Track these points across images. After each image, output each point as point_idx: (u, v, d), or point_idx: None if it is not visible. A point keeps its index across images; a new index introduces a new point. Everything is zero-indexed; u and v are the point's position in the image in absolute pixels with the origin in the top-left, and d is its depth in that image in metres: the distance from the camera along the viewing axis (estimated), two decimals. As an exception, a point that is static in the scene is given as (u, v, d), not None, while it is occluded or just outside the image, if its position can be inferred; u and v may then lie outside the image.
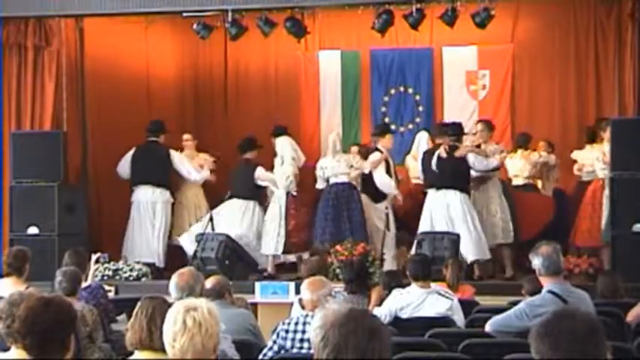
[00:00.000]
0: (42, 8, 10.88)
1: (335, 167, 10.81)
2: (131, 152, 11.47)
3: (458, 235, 10.09)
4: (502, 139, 12.25)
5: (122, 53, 12.65)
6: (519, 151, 11.34)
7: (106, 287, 8.26)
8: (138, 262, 10.92)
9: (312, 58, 13.19)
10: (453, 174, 10.26)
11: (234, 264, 10.39)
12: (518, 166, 11.25)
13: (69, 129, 11.43)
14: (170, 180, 11.56)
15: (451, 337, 5.86)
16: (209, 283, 5.98)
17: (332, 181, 10.81)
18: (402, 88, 12.96)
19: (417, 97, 12.91)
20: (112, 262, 10.64)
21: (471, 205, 10.33)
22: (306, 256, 10.67)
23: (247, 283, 9.88)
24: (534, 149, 11.46)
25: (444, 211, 10.23)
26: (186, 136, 12.13)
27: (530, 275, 6.35)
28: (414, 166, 11.47)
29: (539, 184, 11.52)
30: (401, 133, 12.75)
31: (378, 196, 10.93)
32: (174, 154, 11.48)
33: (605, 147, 10.27)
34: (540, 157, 11.35)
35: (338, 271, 9.58)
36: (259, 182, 11.13)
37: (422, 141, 11.47)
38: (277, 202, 10.94)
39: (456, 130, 10.54)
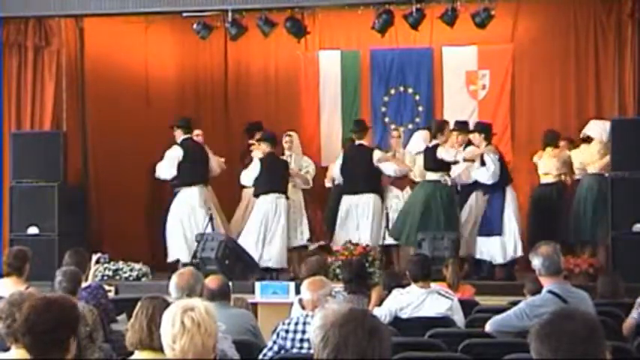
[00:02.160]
0: (42, 8, 10.90)
1: None
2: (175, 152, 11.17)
3: (458, 235, 10.11)
4: (502, 138, 12.25)
5: (122, 53, 12.66)
6: (549, 150, 11.23)
7: (106, 287, 8.24)
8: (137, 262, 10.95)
9: (312, 58, 13.19)
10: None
11: (234, 264, 10.38)
12: (549, 165, 11.15)
13: (69, 129, 11.44)
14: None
15: (451, 337, 5.85)
16: (212, 283, 5.95)
17: None
18: (402, 88, 12.96)
19: (417, 97, 12.90)
20: (112, 262, 10.64)
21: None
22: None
23: (247, 283, 9.87)
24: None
25: None
26: (196, 132, 12.02)
27: (532, 275, 6.35)
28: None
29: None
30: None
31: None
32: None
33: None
34: (569, 157, 11.29)
35: (338, 271, 9.58)
36: None
37: (416, 138, 11.43)
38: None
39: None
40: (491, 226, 10.32)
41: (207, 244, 10.45)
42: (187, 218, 11.03)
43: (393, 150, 11.51)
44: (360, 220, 10.88)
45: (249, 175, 11.10)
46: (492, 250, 10.30)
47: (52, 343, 3.43)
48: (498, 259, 10.27)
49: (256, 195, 10.96)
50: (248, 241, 10.72)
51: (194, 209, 11.04)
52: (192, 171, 11.08)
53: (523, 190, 11.48)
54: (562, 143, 11.46)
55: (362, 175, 10.98)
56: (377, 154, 11.06)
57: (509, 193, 10.46)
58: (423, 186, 10.66)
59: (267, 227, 10.72)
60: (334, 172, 11.50)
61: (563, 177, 11.19)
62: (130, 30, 12.70)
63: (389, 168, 11.04)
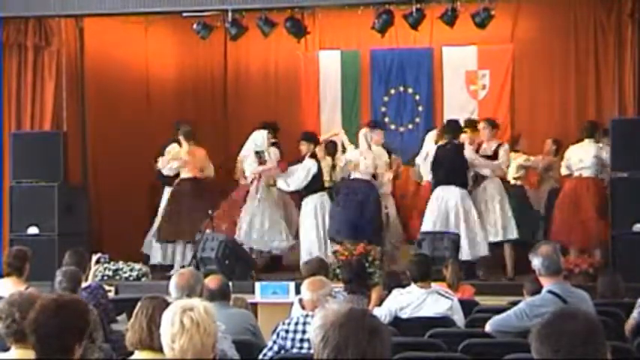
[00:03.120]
0: (42, 8, 10.89)
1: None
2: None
3: (458, 235, 10.10)
4: (502, 138, 12.24)
5: (122, 53, 12.67)
6: (512, 154, 11.36)
7: (106, 287, 8.25)
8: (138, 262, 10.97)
9: (312, 58, 13.19)
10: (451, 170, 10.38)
11: (234, 264, 10.38)
12: (510, 168, 11.29)
13: (69, 129, 11.44)
14: None
15: (451, 337, 5.86)
16: (212, 283, 5.95)
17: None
18: (401, 88, 12.96)
19: (417, 97, 12.91)
20: (112, 262, 10.64)
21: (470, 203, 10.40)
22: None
23: (247, 283, 9.88)
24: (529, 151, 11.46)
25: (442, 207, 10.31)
26: None
27: (532, 275, 6.35)
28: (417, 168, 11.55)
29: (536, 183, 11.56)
30: (401, 133, 12.77)
31: None
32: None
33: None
34: (528, 160, 11.34)
35: (338, 271, 9.58)
36: None
37: (427, 140, 11.49)
38: None
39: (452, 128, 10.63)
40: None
41: (207, 244, 10.45)
42: None
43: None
44: None
45: (300, 181, 10.95)
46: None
47: (57, 347, 3.39)
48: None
49: (305, 195, 10.99)
50: (312, 242, 10.77)
51: None
52: None
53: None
54: (548, 141, 11.55)
55: None
56: None
57: None
58: None
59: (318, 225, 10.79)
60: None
61: (521, 181, 11.32)
62: (130, 30, 12.71)
63: None
